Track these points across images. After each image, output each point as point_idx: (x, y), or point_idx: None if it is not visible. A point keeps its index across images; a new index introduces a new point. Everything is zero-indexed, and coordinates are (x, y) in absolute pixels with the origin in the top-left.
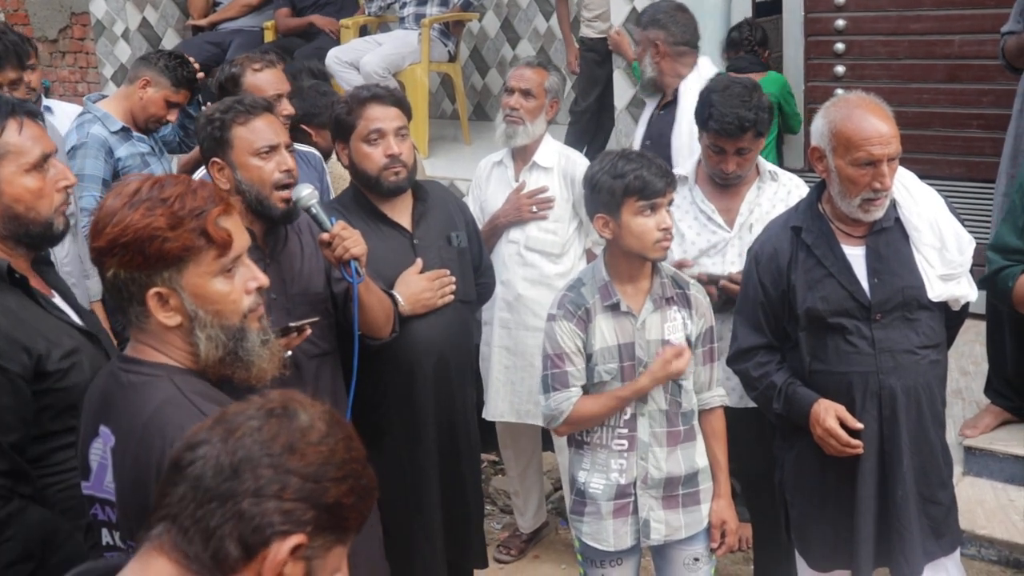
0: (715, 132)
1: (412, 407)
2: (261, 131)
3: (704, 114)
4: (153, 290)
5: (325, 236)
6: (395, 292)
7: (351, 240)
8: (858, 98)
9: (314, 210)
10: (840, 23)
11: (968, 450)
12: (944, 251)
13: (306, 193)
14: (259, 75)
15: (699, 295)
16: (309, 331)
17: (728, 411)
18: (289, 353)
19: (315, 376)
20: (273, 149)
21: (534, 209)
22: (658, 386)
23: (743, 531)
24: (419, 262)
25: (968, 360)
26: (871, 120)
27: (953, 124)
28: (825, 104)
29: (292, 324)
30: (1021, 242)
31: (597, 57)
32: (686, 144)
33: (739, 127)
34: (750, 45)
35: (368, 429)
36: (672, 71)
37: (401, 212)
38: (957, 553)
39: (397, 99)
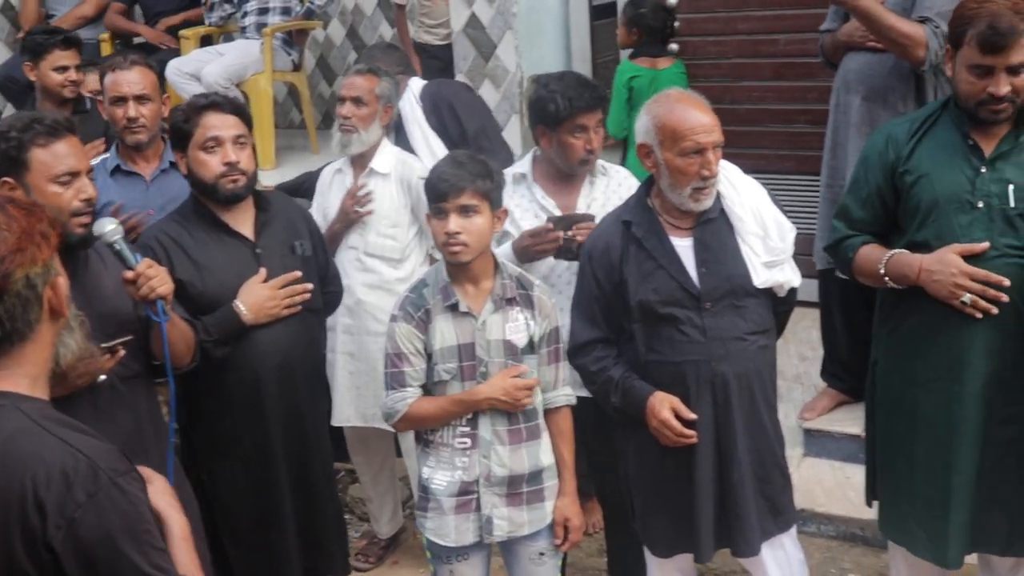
0: (580, 110)
1: (259, 418)
2: (63, 156)
3: (551, 103)
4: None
5: (129, 275)
6: (238, 302)
7: (157, 279)
8: (677, 93)
9: (117, 247)
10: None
11: (807, 432)
12: (767, 239)
13: (109, 229)
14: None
15: (543, 296)
16: (123, 352)
17: (578, 399)
18: (103, 377)
19: (132, 398)
20: (74, 176)
21: (358, 209)
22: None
23: (593, 516)
24: (263, 271)
25: (806, 346)
26: (693, 112)
27: (781, 120)
28: (645, 103)
29: (105, 345)
30: (864, 212)
31: (440, 64)
32: (422, 144)
33: (597, 100)
34: (663, 34)
35: (216, 441)
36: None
37: (243, 221)
38: (794, 530)
39: (236, 107)
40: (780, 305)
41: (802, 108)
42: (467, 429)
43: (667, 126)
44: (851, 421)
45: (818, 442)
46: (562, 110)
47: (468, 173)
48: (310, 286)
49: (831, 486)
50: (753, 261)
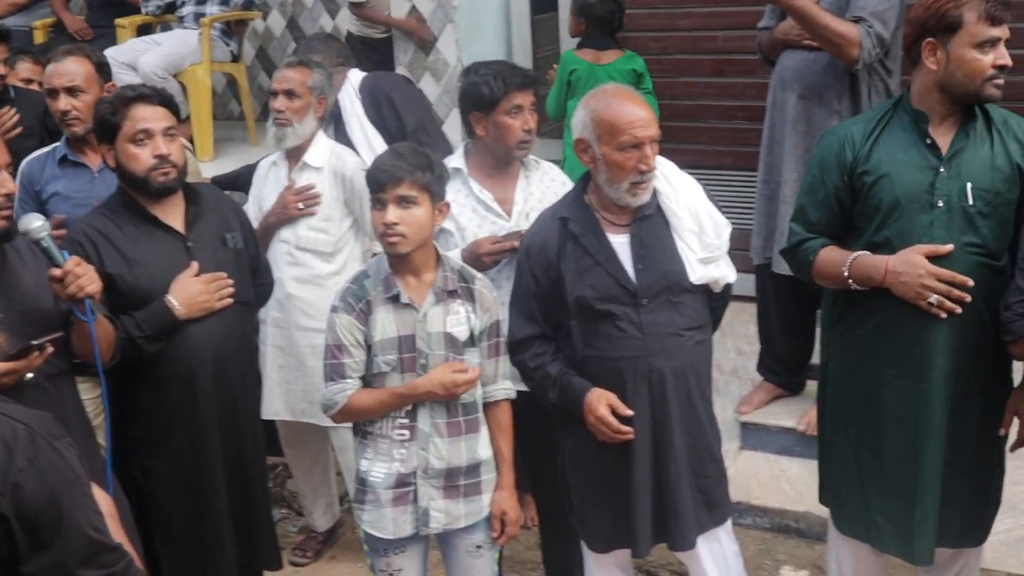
0: (514, 88)
1: (193, 412)
2: None
3: (483, 86)
4: None
5: (56, 272)
6: (170, 296)
7: (85, 278)
8: (614, 88)
9: (44, 243)
10: None
11: (744, 425)
12: (703, 236)
13: (36, 225)
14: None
15: (484, 290)
16: (51, 349)
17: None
18: (30, 376)
19: (59, 396)
20: None
21: (300, 206)
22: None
23: (531, 509)
24: (195, 265)
25: (743, 340)
26: (630, 106)
27: (721, 116)
28: (583, 98)
29: (34, 342)
30: (821, 215)
31: (380, 57)
32: (360, 137)
33: (529, 80)
34: (611, 25)
35: (151, 436)
36: (338, 85)
37: (173, 215)
38: (729, 523)
39: (164, 99)
40: (715, 300)
41: (741, 104)
42: (406, 421)
43: (604, 120)
44: (787, 415)
45: (754, 435)
46: (496, 90)
47: (408, 164)
48: (232, 281)
49: (767, 479)
50: (689, 257)
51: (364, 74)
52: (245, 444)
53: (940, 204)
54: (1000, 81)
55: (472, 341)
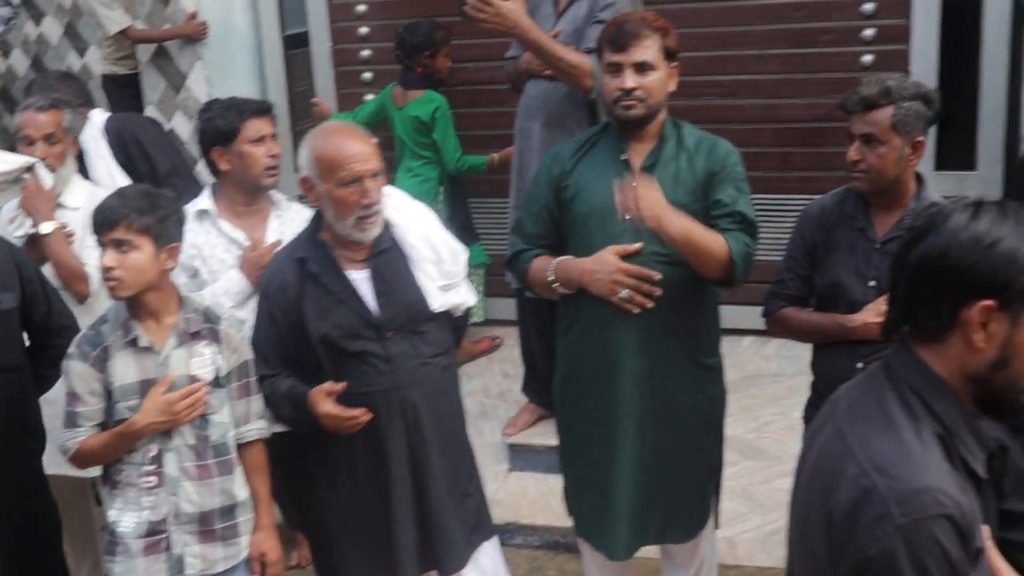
0: (250, 115)
1: None
2: None
3: (218, 119)
4: None
5: None
6: None
7: None
8: (334, 125)
9: None
10: (366, 53)
11: (511, 447)
12: (441, 263)
13: None
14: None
15: (231, 330)
16: None
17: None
18: None
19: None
20: None
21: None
22: (179, 423)
23: (303, 548)
24: None
25: (509, 364)
26: (348, 142)
27: (476, 146)
28: (305, 137)
29: None
30: (536, 227)
31: (129, 93)
32: (107, 180)
33: (264, 108)
34: (412, 60)
35: None
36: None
37: None
38: (495, 540)
39: None
40: (456, 321)
41: (494, 134)
42: (152, 468)
43: (323, 157)
44: (552, 434)
45: (522, 456)
46: (232, 121)
47: (126, 207)
48: None
49: (535, 498)
50: (429, 287)
51: (108, 115)
52: (32, 507)
53: (628, 217)
54: (629, 103)
55: (219, 382)
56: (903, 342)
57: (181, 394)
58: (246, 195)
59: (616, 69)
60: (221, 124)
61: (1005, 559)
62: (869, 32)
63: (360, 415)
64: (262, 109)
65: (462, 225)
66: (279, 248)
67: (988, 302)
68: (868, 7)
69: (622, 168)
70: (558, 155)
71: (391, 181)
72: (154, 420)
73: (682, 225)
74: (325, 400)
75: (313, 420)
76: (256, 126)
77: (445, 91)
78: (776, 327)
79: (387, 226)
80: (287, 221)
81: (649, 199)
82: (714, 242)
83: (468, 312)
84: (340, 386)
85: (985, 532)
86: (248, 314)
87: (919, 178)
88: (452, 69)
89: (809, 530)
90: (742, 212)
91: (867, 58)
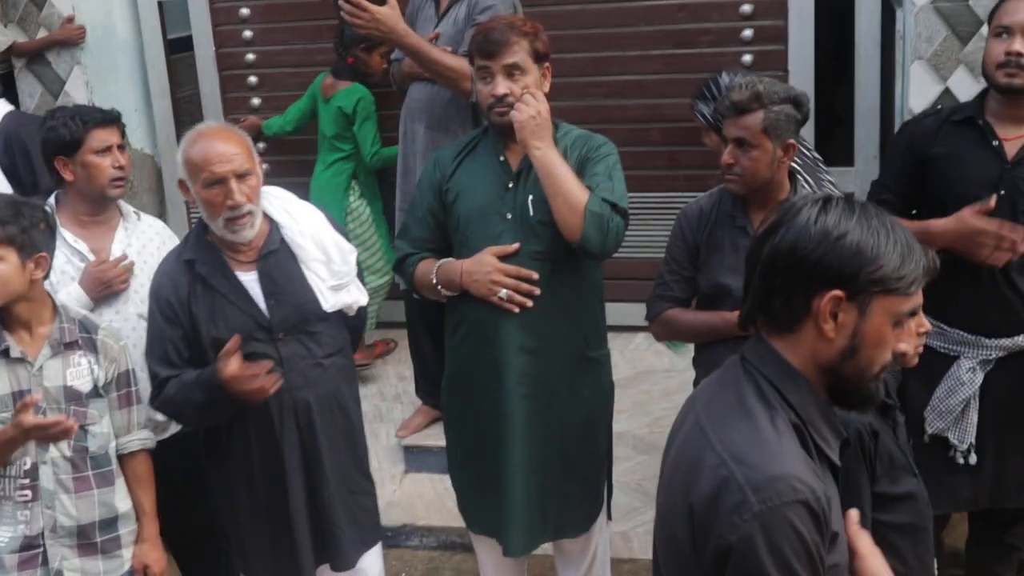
0: (94, 125)
1: None
2: None
3: (61, 128)
4: None
5: None
6: None
7: None
8: (205, 127)
9: None
10: (251, 57)
11: (407, 449)
12: (331, 263)
13: None
14: None
15: (108, 340)
16: None
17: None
18: None
19: None
20: None
21: None
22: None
23: None
24: None
25: (404, 365)
26: (213, 143)
27: None
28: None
29: None
30: (421, 231)
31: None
32: None
33: (110, 118)
34: (343, 48)
35: None
36: None
37: None
38: (379, 546)
39: None
40: (352, 321)
41: (384, 135)
42: (26, 481)
43: (190, 159)
44: None
45: (417, 458)
46: (77, 130)
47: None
48: None
49: (431, 499)
50: (320, 287)
51: (9, 109)
52: None
53: (509, 216)
54: (502, 109)
55: (97, 392)
56: (759, 334)
57: (28, 400)
58: (91, 205)
59: (487, 75)
60: (64, 133)
61: (879, 540)
62: (748, 33)
63: (262, 369)
64: (108, 119)
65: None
66: (170, 253)
67: (837, 292)
68: (747, 8)
69: (502, 170)
70: (440, 159)
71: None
72: (14, 435)
73: (546, 155)
74: (229, 363)
75: (227, 397)
76: (102, 136)
77: (379, 92)
78: (662, 329)
79: (276, 227)
80: (135, 234)
81: (525, 113)
82: (573, 188)
83: (363, 311)
84: (235, 340)
85: (854, 516)
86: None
87: (793, 175)
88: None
89: (673, 521)
90: (610, 197)
91: (747, 58)
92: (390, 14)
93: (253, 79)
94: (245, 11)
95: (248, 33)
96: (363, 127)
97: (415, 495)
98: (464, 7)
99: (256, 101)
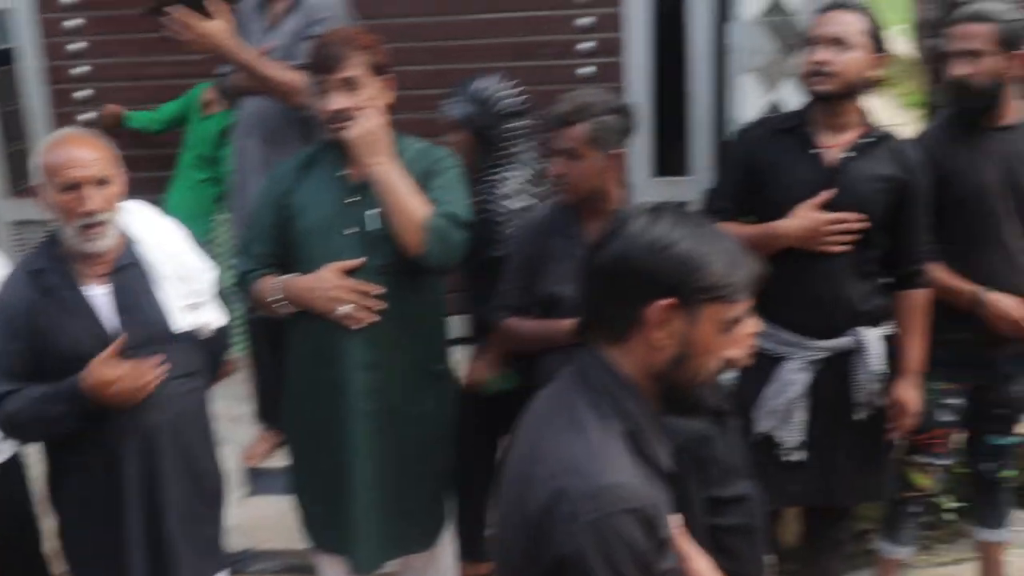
0: None
1: None
2: None
3: None
4: None
5: None
6: None
7: None
8: (63, 132)
9: None
10: (82, 70)
11: (252, 472)
12: (185, 282)
13: None
14: None
15: None
16: None
17: None
18: None
19: None
20: None
21: None
22: None
23: None
24: None
25: (246, 386)
26: (70, 148)
27: None
28: None
29: None
30: (262, 246)
31: None
32: None
33: None
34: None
35: None
36: None
37: None
38: (227, 572)
39: None
40: (212, 345)
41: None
42: None
43: (47, 164)
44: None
45: (261, 480)
46: None
47: None
48: None
49: (275, 521)
50: (173, 305)
51: None
52: None
53: (350, 231)
54: (338, 124)
55: None
56: (593, 344)
57: None
58: None
59: (324, 90)
60: None
61: (714, 542)
62: (586, 46)
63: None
64: None
65: None
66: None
67: (666, 302)
68: (584, 22)
69: (342, 185)
70: (279, 174)
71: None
72: None
73: (384, 170)
74: (99, 371)
75: (85, 401)
76: None
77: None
78: (501, 338)
79: (131, 242)
80: None
81: (358, 130)
82: (413, 203)
83: (222, 332)
84: (121, 341)
85: (675, 520)
86: None
87: (624, 185)
88: (167, 86)
89: (509, 535)
90: (451, 210)
91: (585, 71)
92: (219, 29)
93: (85, 93)
94: (75, 23)
95: (79, 45)
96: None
97: (259, 518)
98: (296, 19)
99: (91, 116)
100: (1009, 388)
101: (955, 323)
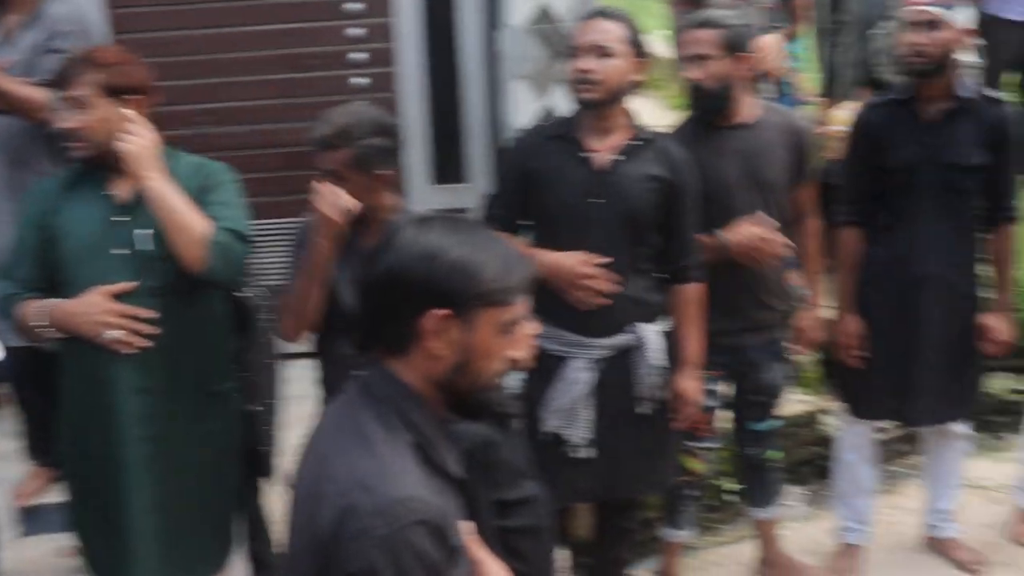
0: None
1: None
2: None
3: None
4: None
5: None
6: None
7: None
8: None
9: None
10: None
11: (22, 510)
12: None
13: None
14: None
15: None
16: None
17: None
18: None
19: None
20: None
21: None
22: None
23: None
24: None
25: (14, 422)
26: None
27: None
28: None
29: None
30: (27, 270)
31: None
32: None
33: None
34: None
35: None
36: None
37: None
38: None
39: None
40: None
41: None
42: None
43: None
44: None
45: (37, 519)
46: None
47: None
48: None
49: (51, 563)
50: None
51: None
52: None
53: (118, 252)
54: (77, 144)
55: None
56: (375, 357)
57: None
58: None
59: (65, 107)
60: None
61: (504, 543)
62: (358, 56)
63: None
64: None
65: None
66: None
67: (441, 311)
68: (353, 32)
69: (108, 204)
70: (40, 195)
71: None
72: None
73: (160, 186)
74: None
75: None
76: None
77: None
78: None
79: None
80: None
81: (135, 144)
82: (191, 219)
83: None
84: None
85: (466, 527)
86: None
87: (392, 199)
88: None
89: (298, 554)
90: (231, 225)
91: (358, 80)
92: None
93: None
94: None
95: None
96: None
97: (33, 559)
98: (35, 33)
99: None
100: (760, 376)
101: (708, 311)
